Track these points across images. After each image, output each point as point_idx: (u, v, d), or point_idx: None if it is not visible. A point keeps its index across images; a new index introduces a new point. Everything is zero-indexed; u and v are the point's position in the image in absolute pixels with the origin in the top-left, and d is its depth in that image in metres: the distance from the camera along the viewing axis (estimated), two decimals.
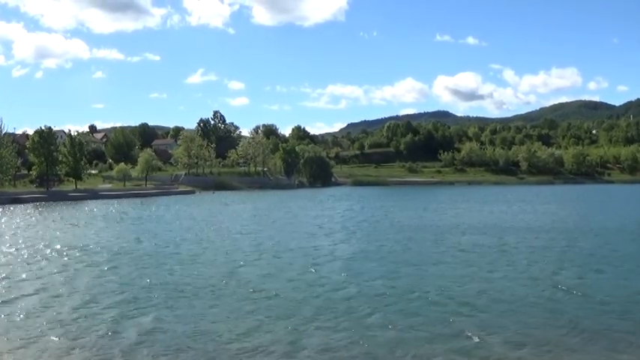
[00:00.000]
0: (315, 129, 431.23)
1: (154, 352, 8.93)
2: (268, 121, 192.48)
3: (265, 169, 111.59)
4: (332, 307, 11.72)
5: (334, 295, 12.94)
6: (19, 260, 18.42)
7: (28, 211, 42.77)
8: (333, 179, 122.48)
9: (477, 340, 9.49)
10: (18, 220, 34.73)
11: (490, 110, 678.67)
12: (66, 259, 18.69)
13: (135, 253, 19.77)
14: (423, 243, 22.49)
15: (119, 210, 44.66)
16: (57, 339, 9.54)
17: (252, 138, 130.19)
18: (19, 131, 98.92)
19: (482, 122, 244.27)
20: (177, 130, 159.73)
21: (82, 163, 74.17)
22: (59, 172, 71.19)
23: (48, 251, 20.46)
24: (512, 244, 21.92)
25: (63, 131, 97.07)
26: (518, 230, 27.15)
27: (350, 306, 11.80)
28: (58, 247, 21.55)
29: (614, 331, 10.04)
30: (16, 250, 20.94)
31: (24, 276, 15.36)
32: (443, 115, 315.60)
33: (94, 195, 64.79)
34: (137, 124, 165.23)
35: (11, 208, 46.46)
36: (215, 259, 18.57)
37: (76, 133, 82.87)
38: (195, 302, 12.28)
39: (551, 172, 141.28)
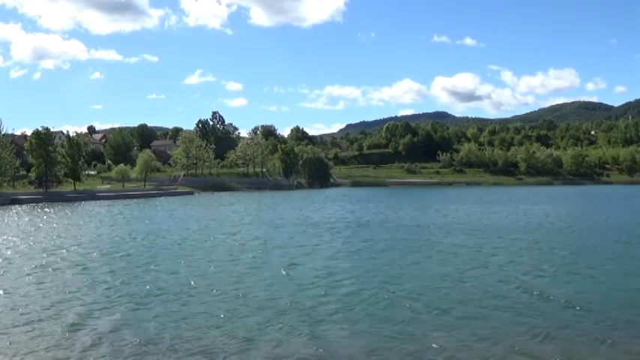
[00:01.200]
0: (313, 130, 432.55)
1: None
2: (266, 122, 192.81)
3: (264, 170, 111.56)
4: (288, 308, 11.89)
5: (298, 296, 13.09)
6: None
7: (24, 212, 42.78)
8: (331, 180, 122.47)
9: (432, 341, 9.51)
10: (6, 221, 34.82)
11: (488, 111, 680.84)
12: (39, 259, 18.97)
13: (111, 255, 20.00)
14: (401, 243, 22.64)
15: (113, 211, 44.70)
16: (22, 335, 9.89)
17: (251, 139, 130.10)
18: (17, 132, 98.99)
19: (480, 123, 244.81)
20: (176, 131, 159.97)
21: (81, 164, 74.10)
22: (58, 173, 71.12)
23: (26, 251, 20.94)
24: (493, 244, 22.19)
25: (62, 132, 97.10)
26: (502, 230, 27.38)
27: (307, 305, 12.01)
28: (37, 247, 21.97)
29: (574, 331, 10.07)
30: None
31: None
32: (441, 116, 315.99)
33: (93, 196, 64.75)
34: (135, 125, 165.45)
35: (9, 209, 46.43)
36: (188, 260, 18.78)
37: (74, 134, 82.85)
38: (154, 302, 12.52)
39: (549, 173, 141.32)
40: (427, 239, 24.01)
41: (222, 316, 11.22)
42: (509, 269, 16.43)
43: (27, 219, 36.71)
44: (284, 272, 16.14)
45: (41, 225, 32.04)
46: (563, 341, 9.55)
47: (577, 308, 11.64)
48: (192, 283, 14.59)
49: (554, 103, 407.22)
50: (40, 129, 67.63)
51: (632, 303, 12.18)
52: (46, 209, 46.37)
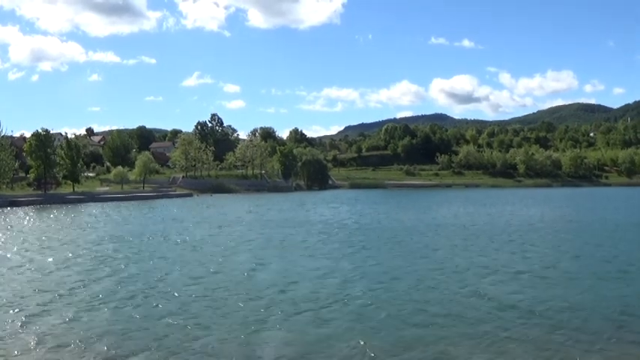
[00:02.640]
0: (311, 132, 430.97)
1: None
2: (264, 124, 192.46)
3: (263, 172, 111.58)
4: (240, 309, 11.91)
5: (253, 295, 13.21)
6: None
7: (20, 214, 42.76)
8: (330, 182, 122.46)
9: (358, 343, 9.43)
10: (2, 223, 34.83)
11: (486, 113, 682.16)
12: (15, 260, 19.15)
13: (90, 255, 20.15)
14: (372, 245, 22.72)
15: (108, 212, 44.76)
16: None
17: (250, 141, 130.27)
18: (16, 134, 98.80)
19: (479, 125, 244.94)
20: (175, 133, 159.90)
21: (80, 166, 74.10)
22: (57, 175, 71.10)
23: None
24: (462, 244, 22.55)
25: (60, 134, 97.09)
26: (483, 232, 27.67)
27: (256, 305, 12.09)
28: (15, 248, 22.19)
29: (511, 333, 9.94)
30: None
31: None
32: (440, 118, 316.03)
33: (91, 198, 64.70)
34: (134, 127, 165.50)
35: (8, 211, 46.39)
36: (165, 261, 18.90)
37: (73, 136, 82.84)
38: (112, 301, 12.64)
39: (548, 175, 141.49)
40: (401, 240, 24.40)
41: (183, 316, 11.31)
42: (451, 271, 16.32)
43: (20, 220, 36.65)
44: (246, 275, 16.19)
45: (32, 225, 32.11)
46: (499, 344, 9.41)
47: (512, 310, 11.49)
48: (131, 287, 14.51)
49: (552, 105, 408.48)
50: (39, 130, 67.68)
51: (576, 307, 11.72)
52: (43, 211, 46.36)
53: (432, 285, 14.19)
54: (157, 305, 12.23)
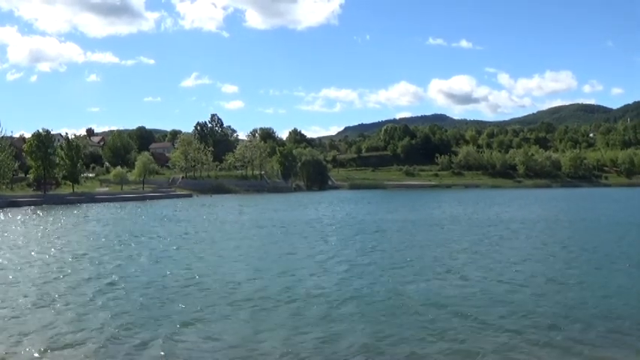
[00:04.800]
0: (310, 132, 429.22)
1: None
2: (263, 125, 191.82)
3: (262, 172, 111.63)
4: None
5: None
6: None
7: (18, 216, 42.74)
8: (330, 182, 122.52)
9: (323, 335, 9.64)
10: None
11: (485, 113, 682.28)
12: None
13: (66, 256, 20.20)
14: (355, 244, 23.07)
15: (107, 213, 44.75)
16: None
17: (250, 141, 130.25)
18: (15, 135, 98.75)
19: (478, 125, 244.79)
20: (175, 134, 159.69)
21: (80, 166, 74.05)
22: (57, 176, 71.07)
23: None
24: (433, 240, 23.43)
25: (60, 134, 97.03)
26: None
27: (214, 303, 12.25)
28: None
29: (465, 332, 9.85)
30: None
31: None
32: (439, 119, 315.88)
33: (91, 198, 64.67)
34: (133, 128, 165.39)
35: (7, 212, 46.35)
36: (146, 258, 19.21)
37: (73, 137, 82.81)
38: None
39: (548, 176, 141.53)
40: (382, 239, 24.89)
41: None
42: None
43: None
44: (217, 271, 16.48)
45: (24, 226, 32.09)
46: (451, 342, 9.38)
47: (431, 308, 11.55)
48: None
49: (551, 106, 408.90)
50: (40, 131, 67.61)
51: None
52: (42, 212, 46.33)
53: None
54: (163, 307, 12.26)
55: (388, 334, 9.78)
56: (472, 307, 11.50)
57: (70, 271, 16.78)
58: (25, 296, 13.10)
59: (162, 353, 8.95)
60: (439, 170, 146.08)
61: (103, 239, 25.39)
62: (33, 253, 20.65)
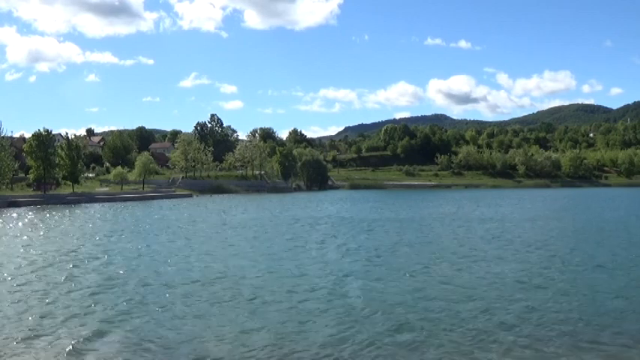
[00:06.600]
0: (310, 132, 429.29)
1: None
2: (262, 125, 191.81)
3: (262, 172, 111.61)
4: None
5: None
6: None
7: (15, 216, 42.74)
8: (330, 183, 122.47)
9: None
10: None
11: (485, 114, 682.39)
12: None
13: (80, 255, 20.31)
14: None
15: (106, 213, 44.78)
16: None
17: (250, 141, 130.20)
18: (15, 135, 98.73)
19: (478, 125, 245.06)
20: (175, 134, 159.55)
21: (80, 166, 74.01)
22: (57, 176, 71.01)
23: None
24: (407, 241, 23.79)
25: (60, 134, 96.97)
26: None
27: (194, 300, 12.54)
28: None
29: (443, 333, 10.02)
30: None
31: None
32: (439, 119, 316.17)
33: (91, 199, 64.65)
34: (132, 128, 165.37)
35: (7, 212, 46.33)
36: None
37: (73, 137, 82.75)
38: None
39: (548, 176, 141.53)
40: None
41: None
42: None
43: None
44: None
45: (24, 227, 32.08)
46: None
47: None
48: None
49: (550, 106, 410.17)
50: (40, 131, 67.52)
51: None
52: (41, 212, 46.32)
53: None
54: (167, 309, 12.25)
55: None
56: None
57: (67, 270, 16.82)
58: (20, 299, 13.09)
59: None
60: (439, 170, 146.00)
61: (103, 238, 25.48)
62: (32, 252, 20.67)
